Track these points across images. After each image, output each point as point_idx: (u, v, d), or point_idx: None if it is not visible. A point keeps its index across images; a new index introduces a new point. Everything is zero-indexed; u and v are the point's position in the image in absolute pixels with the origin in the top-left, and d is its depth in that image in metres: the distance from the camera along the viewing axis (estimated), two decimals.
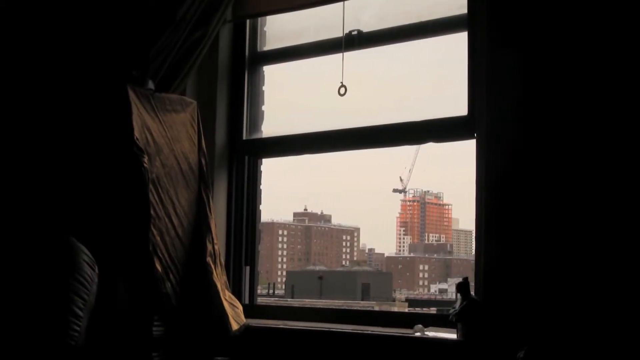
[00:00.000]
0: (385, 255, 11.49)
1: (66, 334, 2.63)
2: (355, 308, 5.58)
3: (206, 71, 3.91)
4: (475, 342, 2.93)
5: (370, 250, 11.24)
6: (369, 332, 3.27)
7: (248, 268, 3.95)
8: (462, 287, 3.01)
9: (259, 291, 4.12)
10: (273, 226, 10.87)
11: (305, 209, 11.43)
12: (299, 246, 11.20)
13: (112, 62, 3.37)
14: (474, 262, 3.20)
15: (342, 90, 3.63)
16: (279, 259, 10.93)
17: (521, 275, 2.86)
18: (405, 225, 12.24)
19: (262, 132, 4.06)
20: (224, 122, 3.98)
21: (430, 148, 3.55)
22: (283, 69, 4.12)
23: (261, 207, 4.04)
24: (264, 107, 4.10)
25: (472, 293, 3.04)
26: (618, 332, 2.64)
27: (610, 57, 2.77)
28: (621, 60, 2.75)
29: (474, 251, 3.20)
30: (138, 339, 3.18)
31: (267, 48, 4.11)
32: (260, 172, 4.04)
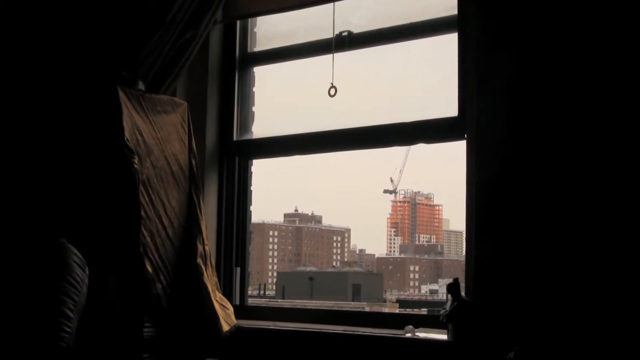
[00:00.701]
0: (376, 256, 11.50)
1: (56, 335, 2.62)
2: (345, 309, 5.57)
3: (196, 72, 3.91)
4: (465, 343, 2.94)
5: (361, 251, 11.24)
6: (360, 332, 3.27)
7: (239, 269, 3.95)
8: (452, 288, 3.02)
9: (249, 292, 4.12)
10: (264, 227, 10.86)
11: (296, 210, 11.43)
12: (289, 247, 11.20)
13: (102, 63, 3.36)
14: (464, 262, 3.21)
15: (333, 91, 3.64)
16: (270, 260, 10.92)
17: (512, 276, 2.87)
18: (395, 226, 12.25)
19: (252, 133, 4.06)
20: (215, 123, 3.98)
21: (421, 149, 3.56)
22: (273, 70, 4.12)
23: (252, 208, 4.04)
24: (254, 108, 4.10)
25: (463, 294, 3.05)
26: (608, 332, 2.65)
27: (601, 55, 2.78)
28: (612, 60, 2.76)
29: (464, 252, 3.21)
30: (128, 340, 3.17)
31: (257, 49, 4.12)
32: (251, 173, 4.05)
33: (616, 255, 2.68)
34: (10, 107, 3.39)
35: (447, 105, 3.35)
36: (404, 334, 3.17)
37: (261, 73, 4.12)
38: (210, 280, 3.44)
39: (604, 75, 2.77)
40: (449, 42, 3.39)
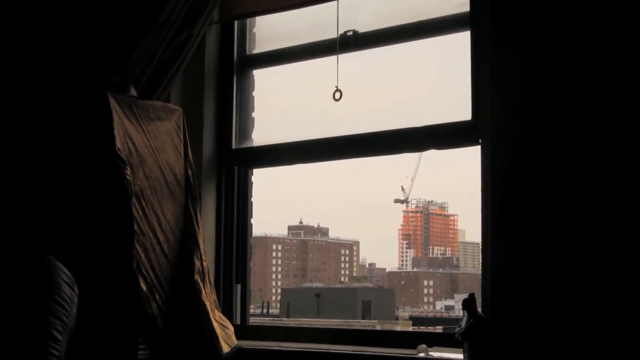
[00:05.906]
0: (387, 270, 11.52)
1: (44, 358, 2.62)
2: (355, 327, 5.58)
3: (192, 76, 3.92)
4: None
5: (371, 265, 11.26)
6: (370, 353, 3.27)
7: (239, 286, 3.95)
8: (468, 304, 3.01)
9: (252, 310, 4.12)
10: (266, 240, 10.88)
11: (301, 222, 11.44)
12: (294, 262, 11.21)
13: (91, 68, 3.37)
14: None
15: (338, 95, 3.65)
16: (273, 276, 10.93)
17: (530, 289, 2.86)
18: (407, 237, 12.25)
19: (252, 140, 4.07)
20: (212, 130, 3.98)
21: (434, 155, 3.56)
22: (274, 73, 4.13)
23: (253, 220, 4.04)
24: (254, 114, 4.10)
25: (479, 309, 3.04)
26: (635, 350, 2.64)
27: (620, 55, 2.78)
28: (631, 59, 2.76)
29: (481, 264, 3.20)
30: None
31: (257, 51, 4.12)
32: (251, 183, 4.05)
33: None
34: None
35: (460, 109, 3.35)
36: (417, 354, 3.16)
37: (261, 76, 4.13)
38: (209, 298, 3.44)
39: (627, 73, 2.76)
40: (461, 41, 3.40)
